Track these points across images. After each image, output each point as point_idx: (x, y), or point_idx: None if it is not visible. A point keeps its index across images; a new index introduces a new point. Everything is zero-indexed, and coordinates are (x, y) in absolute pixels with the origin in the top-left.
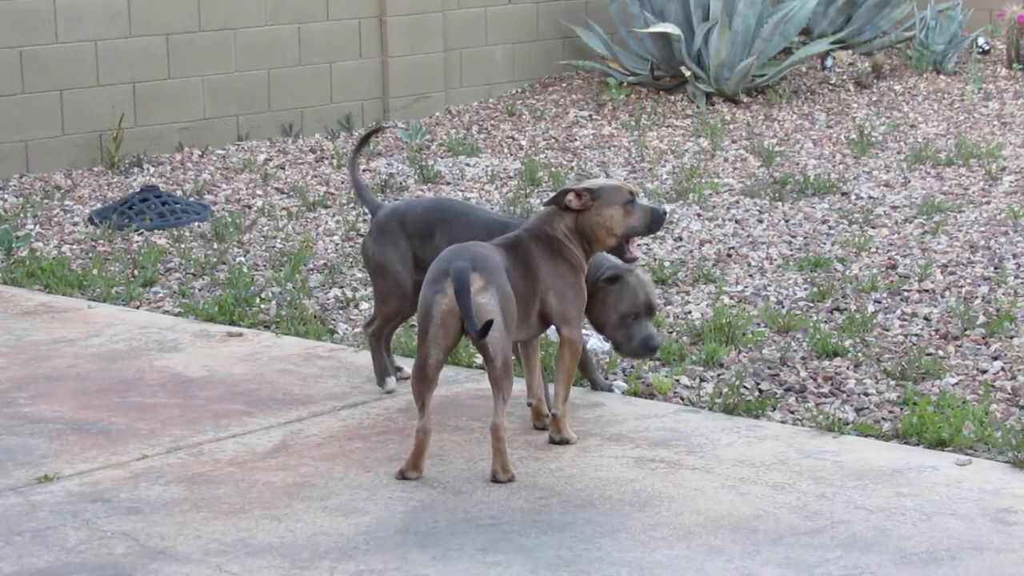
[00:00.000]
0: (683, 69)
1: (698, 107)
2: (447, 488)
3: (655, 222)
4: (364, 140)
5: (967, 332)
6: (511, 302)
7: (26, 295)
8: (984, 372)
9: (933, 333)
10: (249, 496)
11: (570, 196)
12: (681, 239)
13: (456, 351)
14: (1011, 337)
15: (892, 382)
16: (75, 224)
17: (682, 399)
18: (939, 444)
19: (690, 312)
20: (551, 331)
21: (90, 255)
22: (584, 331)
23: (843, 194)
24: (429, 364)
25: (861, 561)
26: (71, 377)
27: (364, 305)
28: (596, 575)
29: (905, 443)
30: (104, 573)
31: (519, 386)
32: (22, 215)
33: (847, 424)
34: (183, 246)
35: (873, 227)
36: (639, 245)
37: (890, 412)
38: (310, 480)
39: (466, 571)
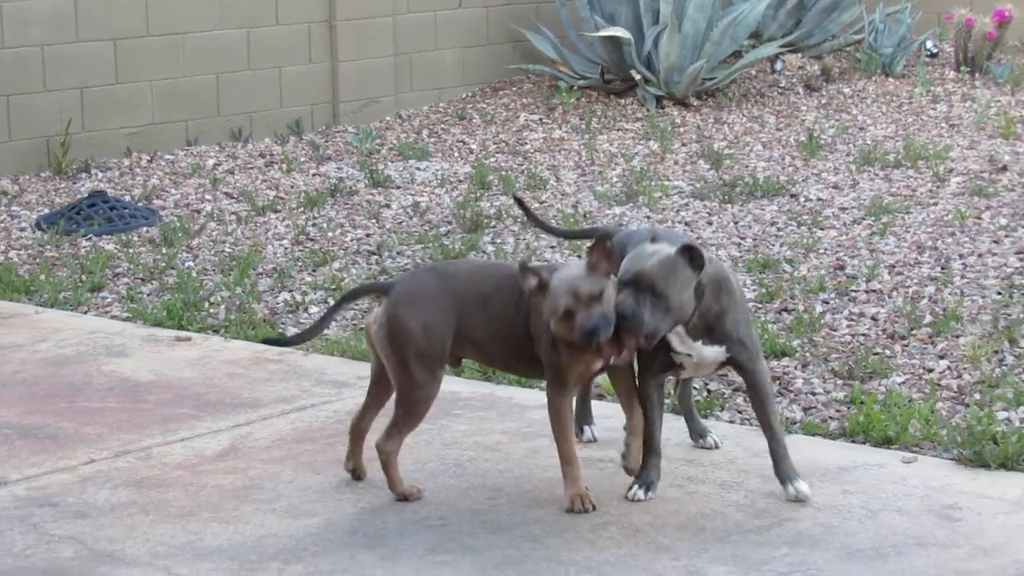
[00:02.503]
0: (633, 72)
1: (648, 110)
2: None
3: (585, 339)
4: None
5: (914, 331)
6: (429, 337)
7: None
8: (930, 371)
9: (880, 333)
10: (198, 499)
11: (530, 280)
12: None
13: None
14: (957, 336)
15: (839, 381)
16: (22, 230)
17: None
18: (885, 442)
19: None
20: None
21: (37, 261)
22: None
23: (792, 196)
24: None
25: (808, 558)
26: (18, 382)
27: (313, 309)
28: (544, 574)
29: (852, 441)
30: None
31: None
32: None
33: (795, 423)
34: (131, 251)
35: (821, 228)
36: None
37: (837, 411)
38: (259, 483)
39: (415, 571)
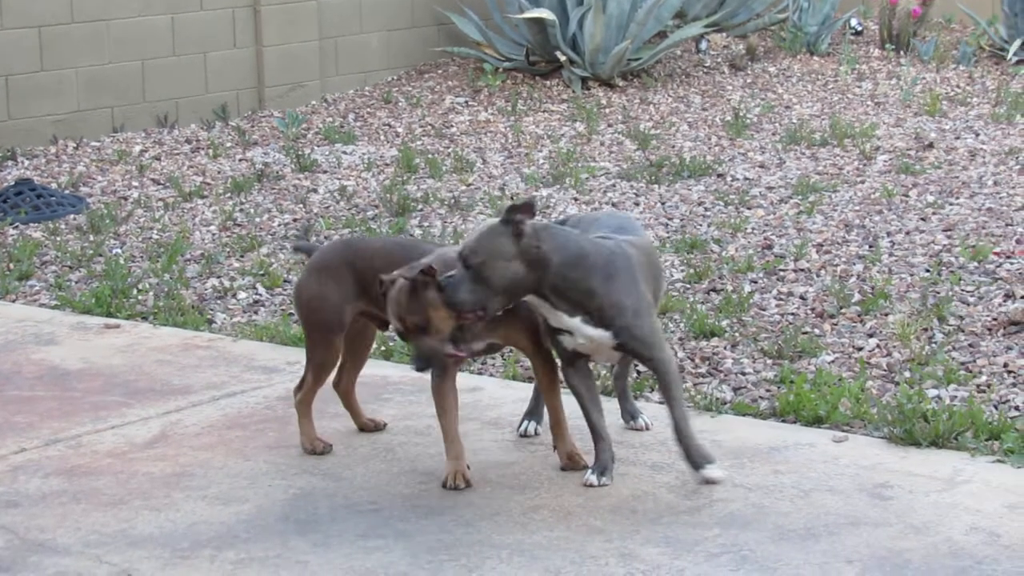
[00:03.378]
0: (558, 54)
1: (574, 92)
2: (327, 475)
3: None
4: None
5: (842, 310)
6: (324, 306)
7: None
8: (860, 349)
9: (809, 312)
10: (129, 487)
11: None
12: None
13: None
14: (886, 314)
15: (769, 361)
16: None
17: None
18: (816, 421)
19: None
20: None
21: None
22: None
23: (719, 176)
24: None
25: (739, 538)
26: None
27: (241, 295)
28: (476, 558)
29: (782, 421)
30: None
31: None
32: None
33: (725, 403)
34: (59, 239)
35: (749, 208)
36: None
37: (767, 391)
38: (189, 470)
39: (347, 557)
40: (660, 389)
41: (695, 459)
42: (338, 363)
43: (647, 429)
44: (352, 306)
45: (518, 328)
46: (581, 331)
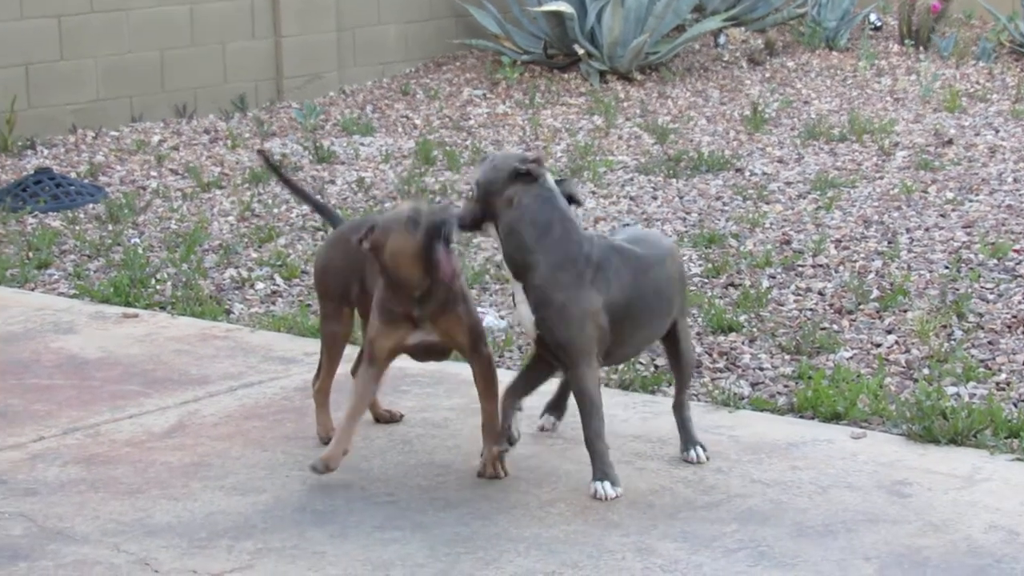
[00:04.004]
0: (576, 47)
1: (592, 85)
2: (344, 466)
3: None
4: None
5: (861, 306)
6: (330, 277)
7: None
8: (878, 346)
9: (827, 308)
10: (146, 476)
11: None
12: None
13: None
14: (904, 311)
15: (787, 356)
16: None
17: None
18: (834, 418)
19: None
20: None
21: None
22: (481, 309)
23: (737, 170)
24: None
25: (757, 534)
26: None
27: (259, 285)
28: (494, 551)
29: (800, 417)
30: (2, 555)
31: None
32: None
33: (742, 399)
34: (78, 228)
35: (767, 203)
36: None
37: (785, 386)
38: (207, 460)
39: (364, 548)
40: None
41: (597, 475)
42: (346, 338)
43: (699, 462)
44: (359, 284)
45: (457, 327)
46: (517, 298)
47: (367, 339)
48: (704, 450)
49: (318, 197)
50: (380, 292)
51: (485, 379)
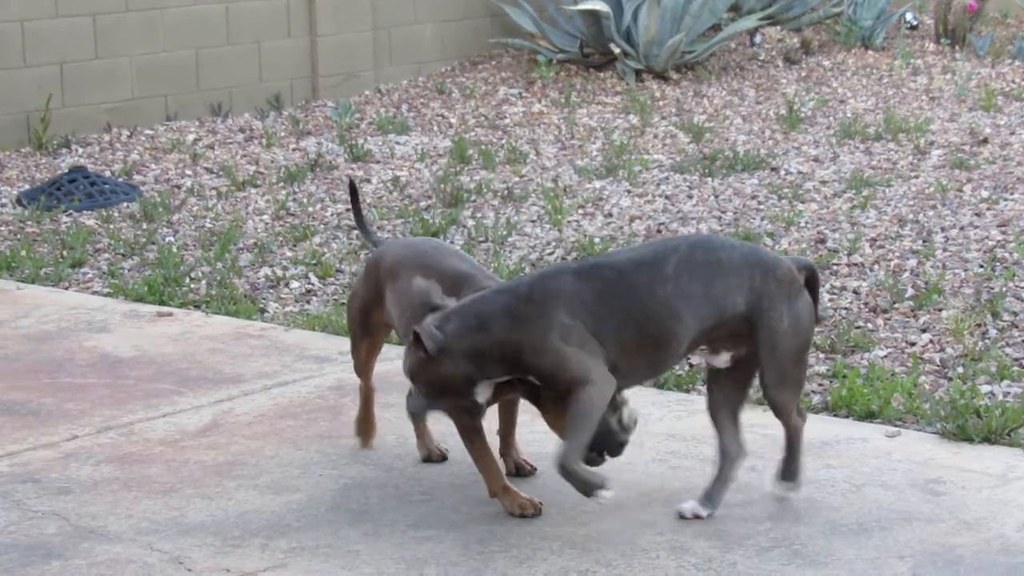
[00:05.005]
0: (612, 46)
1: (627, 84)
2: (378, 465)
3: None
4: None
5: (896, 305)
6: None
7: None
8: (913, 344)
9: (862, 306)
10: (180, 475)
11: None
12: (611, 215)
13: None
14: (939, 310)
15: (822, 355)
16: (3, 205)
17: None
18: (868, 416)
19: None
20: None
21: (18, 236)
22: None
23: (772, 169)
24: None
25: (791, 533)
26: (0, 359)
27: (294, 284)
28: (528, 549)
29: (835, 415)
30: (35, 553)
31: None
32: None
33: None
34: (112, 227)
35: (802, 202)
36: None
37: (820, 385)
38: (241, 458)
39: (398, 547)
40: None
41: (581, 489)
42: (365, 365)
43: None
44: (376, 310)
45: None
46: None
47: None
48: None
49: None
50: None
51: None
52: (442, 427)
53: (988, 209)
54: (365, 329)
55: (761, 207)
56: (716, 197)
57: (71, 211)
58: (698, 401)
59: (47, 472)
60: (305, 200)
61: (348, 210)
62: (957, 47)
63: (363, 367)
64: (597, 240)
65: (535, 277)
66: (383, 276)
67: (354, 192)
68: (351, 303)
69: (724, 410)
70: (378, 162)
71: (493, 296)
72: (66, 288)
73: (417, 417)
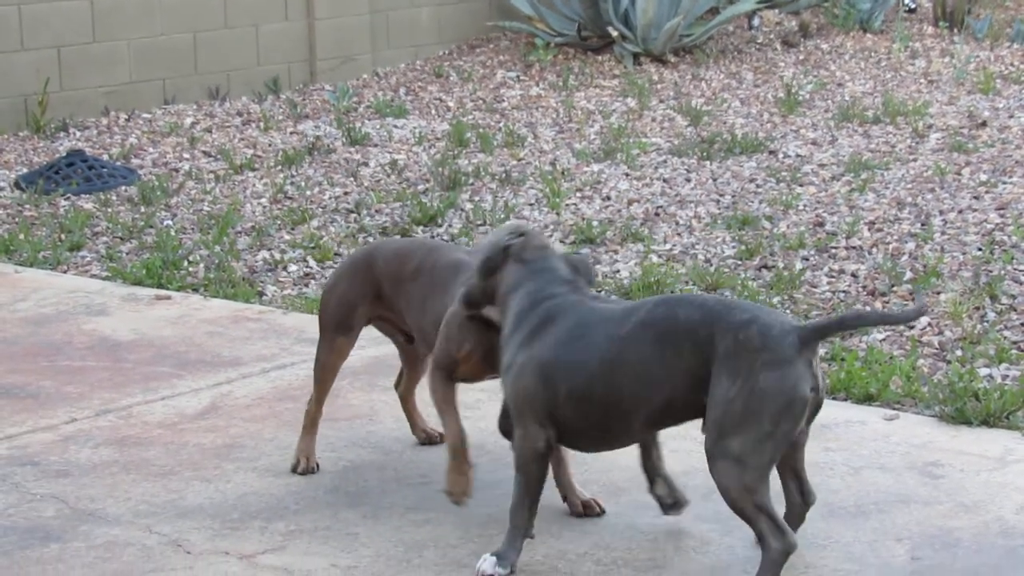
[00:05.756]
0: (610, 29)
1: (625, 67)
2: (376, 448)
3: None
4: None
5: (894, 288)
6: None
7: None
8: (911, 327)
9: (860, 289)
10: (179, 458)
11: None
12: (609, 198)
13: None
14: (937, 293)
15: None
16: (1, 189)
17: None
18: (867, 399)
19: (619, 271)
20: None
21: (17, 220)
22: None
23: (771, 152)
24: None
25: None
26: None
27: (292, 267)
28: None
29: (833, 398)
30: (34, 535)
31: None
32: None
33: None
34: (110, 210)
35: (800, 185)
36: None
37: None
38: (240, 441)
39: (397, 529)
40: None
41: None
42: (333, 367)
43: None
44: (366, 308)
45: None
46: None
47: (445, 350)
48: None
49: None
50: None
51: None
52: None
53: (987, 192)
54: (344, 327)
55: (759, 190)
56: (714, 180)
57: (69, 195)
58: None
59: (46, 455)
60: (303, 183)
61: (346, 193)
62: (955, 30)
63: (330, 369)
64: (595, 223)
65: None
66: (383, 276)
67: None
68: (328, 298)
69: (788, 469)
70: (376, 145)
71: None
72: (64, 271)
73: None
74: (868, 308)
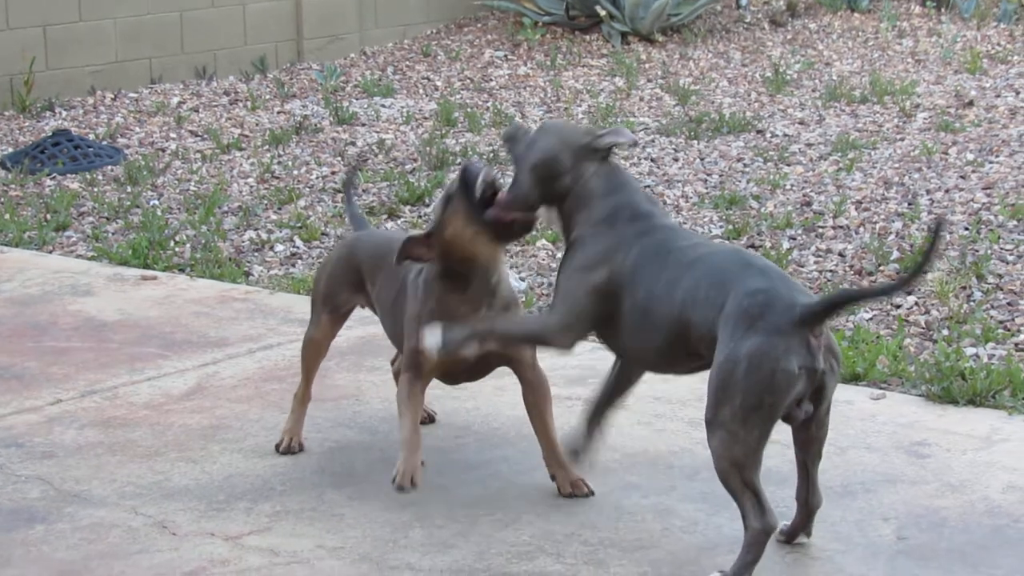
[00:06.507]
0: (598, 8)
1: (613, 47)
2: (363, 428)
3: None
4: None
5: (881, 268)
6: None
7: None
8: (898, 307)
9: (848, 269)
10: (164, 439)
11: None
12: None
13: None
14: (924, 272)
15: None
16: None
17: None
18: (854, 379)
19: None
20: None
21: (2, 200)
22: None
23: (758, 132)
24: None
25: (776, 495)
26: None
27: (279, 247)
28: (512, 512)
29: None
30: (19, 517)
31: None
32: None
33: None
34: (96, 190)
35: (788, 164)
36: None
37: None
38: (226, 422)
39: (383, 510)
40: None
41: None
42: (323, 349)
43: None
44: (348, 296)
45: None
46: None
47: (411, 350)
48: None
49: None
50: (431, 303)
51: (541, 399)
52: (430, 392)
53: (973, 172)
54: (331, 307)
55: (747, 170)
56: (702, 160)
57: (55, 174)
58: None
59: (31, 436)
60: (290, 163)
61: (333, 173)
62: (942, 10)
63: (314, 347)
64: None
65: None
66: (363, 266)
67: (351, 175)
68: (319, 275)
69: (799, 462)
70: (363, 125)
71: None
72: (50, 252)
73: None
74: (850, 287)
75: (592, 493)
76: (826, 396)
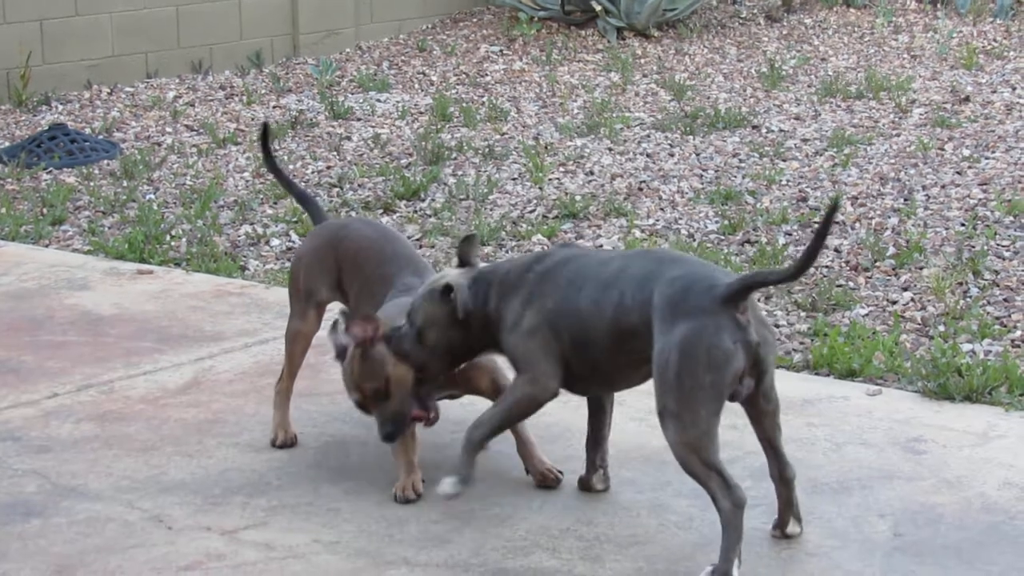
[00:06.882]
0: (593, 4)
1: (609, 42)
2: (359, 423)
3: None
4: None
5: (877, 263)
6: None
7: None
8: (894, 303)
9: (843, 265)
10: (161, 433)
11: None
12: (592, 173)
13: None
14: (920, 268)
15: (803, 313)
16: None
17: None
18: (850, 375)
19: (601, 246)
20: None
21: None
22: None
23: (754, 127)
24: None
25: (772, 491)
26: None
27: (274, 241)
28: (509, 507)
29: (816, 374)
30: (15, 511)
31: None
32: None
33: None
34: (92, 184)
35: (784, 160)
36: None
37: (801, 343)
38: (222, 416)
39: (378, 505)
40: None
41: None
42: (310, 340)
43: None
44: (327, 294)
45: (479, 373)
46: None
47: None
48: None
49: (302, 187)
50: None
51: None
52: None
53: (969, 168)
54: (315, 302)
55: (742, 165)
56: (697, 155)
57: (51, 168)
58: None
59: (27, 430)
60: (286, 157)
61: (328, 168)
62: (938, 5)
63: (308, 336)
64: (578, 197)
65: None
66: (344, 259)
67: (265, 135)
68: (296, 273)
69: (761, 440)
70: (359, 119)
71: None
72: (46, 246)
73: None
74: (846, 283)
75: (562, 474)
76: (766, 368)
